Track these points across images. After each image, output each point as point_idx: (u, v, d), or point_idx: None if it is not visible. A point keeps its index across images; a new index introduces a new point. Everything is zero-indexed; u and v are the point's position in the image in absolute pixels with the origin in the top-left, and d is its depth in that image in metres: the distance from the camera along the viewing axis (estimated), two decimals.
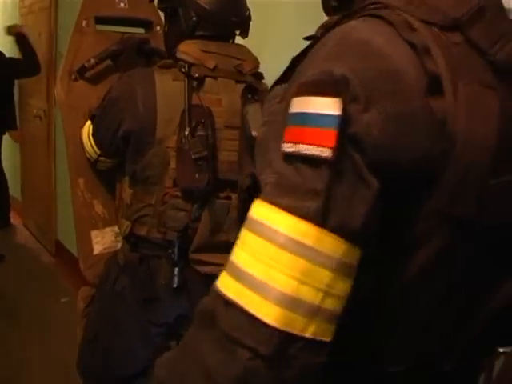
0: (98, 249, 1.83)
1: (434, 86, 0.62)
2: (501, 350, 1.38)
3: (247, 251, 0.64)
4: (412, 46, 0.63)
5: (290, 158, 0.62)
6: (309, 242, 0.61)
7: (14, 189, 5.03)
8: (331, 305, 0.63)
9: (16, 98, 4.86)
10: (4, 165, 4.87)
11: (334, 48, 0.65)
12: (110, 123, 1.52)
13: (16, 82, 4.67)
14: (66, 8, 3.75)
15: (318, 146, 0.60)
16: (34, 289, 3.77)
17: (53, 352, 2.94)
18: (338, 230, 0.61)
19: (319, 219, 0.61)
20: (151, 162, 1.49)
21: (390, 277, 0.69)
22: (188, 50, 1.49)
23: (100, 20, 1.88)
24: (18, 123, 4.81)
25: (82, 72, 1.80)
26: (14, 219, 5.12)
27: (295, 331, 0.61)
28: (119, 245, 1.78)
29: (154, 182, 1.51)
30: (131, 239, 1.61)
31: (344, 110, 0.59)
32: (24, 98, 4.83)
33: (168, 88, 1.47)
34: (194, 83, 1.47)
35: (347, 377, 0.76)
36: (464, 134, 0.63)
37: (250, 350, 0.62)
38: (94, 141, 1.62)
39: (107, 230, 1.84)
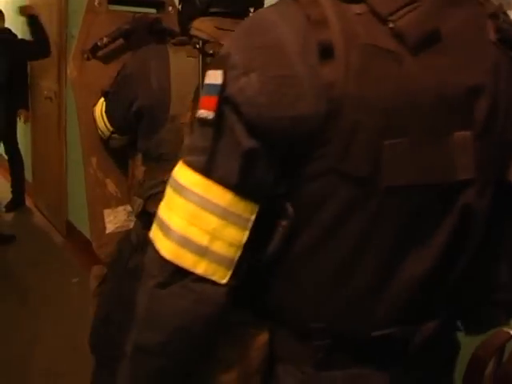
0: (110, 228, 1.84)
1: (326, 53, 0.68)
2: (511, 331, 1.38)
3: (164, 200, 0.77)
4: (309, 19, 0.70)
5: (197, 122, 0.75)
6: (198, 190, 0.72)
7: (24, 170, 5.07)
8: (220, 248, 0.73)
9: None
10: None
11: (237, 29, 0.76)
12: (123, 99, 1.52)
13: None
14: None
15: (207, 110, 0.72)
16: (45, 269, 3.81)
17: (63, 330, 2.99)
18: (222, 183, 0.72)
19: (206, 171, 0.72)
20: (165, 138, 1.47)
21: (299, 234, 0.75)
22: (202, 27, 1.47)
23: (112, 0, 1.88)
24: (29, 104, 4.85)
25: (94, 51, 1.79)
26: (26, 201, 5.16)
27: (185, 265, 0.72)
28: (131, 224, 1.78)
29: (168, 159, 1.48)
30: (144, 217, 1.59)
31: (224, 78, 0.71)
32: (35, 79, 4.84)
33: (182, 64, 1.46)
34: (208, 60, 1.45)
35: (283, 336, 0.82)
36: (353, 95, 0.68)
37: (153, 277, 0.75)
38: (107, 118, 1.62)
39: (120, 209, 1.84)
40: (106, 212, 1.82)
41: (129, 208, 1.82)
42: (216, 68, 0.73)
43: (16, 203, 5.03)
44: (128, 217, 1.85)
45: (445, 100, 0.72)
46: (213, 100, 0.71)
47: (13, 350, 2.79)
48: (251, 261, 0.77)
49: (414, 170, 0.72)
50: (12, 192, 5.04)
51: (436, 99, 0.71)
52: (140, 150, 1.58)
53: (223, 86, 0.71)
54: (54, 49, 4.08)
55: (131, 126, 1.55)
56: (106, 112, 1.62)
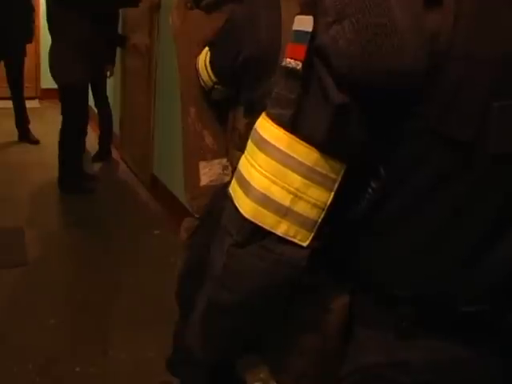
0: (204, 180, 1.83)
1: None
2: None
3: (245, 153, 0.72)
4: None
5: (283, 71, 0.69)
6: (282, 146, 0.66)
7: (113, 123, 5.19)
8: (303, 209, 0.67)
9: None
10: None
11: None
12: (229, 48, 1.48)
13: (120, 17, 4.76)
14: None
15: (296, 59, 0.66)
16: (128, 220, 3.93)
17: (143, 280, 3.08)
18: (308, 140, 0.66)
19: (291, 127, 0.66)
20: (271, 90, 1.43)
21: (389, 197, 0.70)
22: None
23: None
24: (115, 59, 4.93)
25: (197, 1, 1.76)
26: (113, 153, 5.31)
27: (265, 225, 0.68)
28: (226, 178, 1.77)
29: None
30: None
31: (315, 25, 0.64)
32: (126, 33, 4.88)
33: (293, 15, 1.40)
34: None
35: (365, 300, 0.79)
36: (461, 48, 0.59)
37: (231, 235, 0.71)
38: (211, 68, 1.59)
39: (215, 162, 1.83)
40: (202, 164, 1.81)
41: (224, 161, 1.80)
42: (306, 13, 0.66)
43: (102, 155, 5.19)
44: (223, 170, 1.83)
45: None
46: (301, 49, 0.65)
47: (96, 294, 2.91)
48: (336, 222, 0.72)
49: None
50: (99, 144, 5.19)
51: None
52: (243, 103, 1.55)
53: (313, 33, 0.64)
54: (146, 2, 4.10)
55: (236, 76, 1.51)
56: (210, 62, 1.59)
